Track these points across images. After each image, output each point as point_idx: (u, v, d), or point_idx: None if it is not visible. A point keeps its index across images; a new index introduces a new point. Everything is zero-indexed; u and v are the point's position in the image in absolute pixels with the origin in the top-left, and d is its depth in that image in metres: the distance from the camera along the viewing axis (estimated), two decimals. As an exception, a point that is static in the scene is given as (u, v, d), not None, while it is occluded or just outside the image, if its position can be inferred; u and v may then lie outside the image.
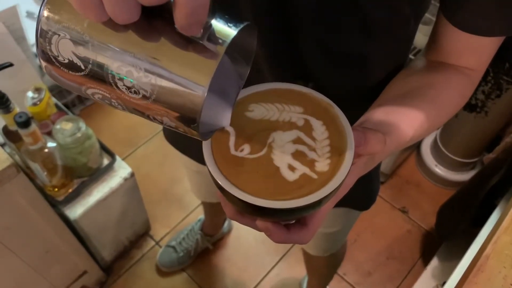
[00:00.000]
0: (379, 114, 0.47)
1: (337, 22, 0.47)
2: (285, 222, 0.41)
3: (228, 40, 0.27)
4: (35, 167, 1.07)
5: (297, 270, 1.58)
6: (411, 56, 1.34)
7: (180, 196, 1.75)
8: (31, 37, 1.27)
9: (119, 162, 1.31)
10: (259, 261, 1.62)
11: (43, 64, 0.30)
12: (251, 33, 0.32)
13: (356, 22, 0.47)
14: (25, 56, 1.19)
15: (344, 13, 0.46)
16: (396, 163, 1.81)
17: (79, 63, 0.28)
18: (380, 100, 0.51)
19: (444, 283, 0.98)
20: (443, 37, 0.50)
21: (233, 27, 0.28)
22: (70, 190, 1.22)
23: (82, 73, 0.29)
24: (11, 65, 1.02)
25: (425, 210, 1.77)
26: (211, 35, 0.27)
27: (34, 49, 1.30)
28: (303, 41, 0.50)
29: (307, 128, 0.39)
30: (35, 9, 1.47)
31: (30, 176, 1.13)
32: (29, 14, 1.38)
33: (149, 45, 0.27)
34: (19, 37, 1.20)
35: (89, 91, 0.30)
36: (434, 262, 1.55)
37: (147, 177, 1.74)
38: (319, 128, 0.39)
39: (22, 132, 0.96)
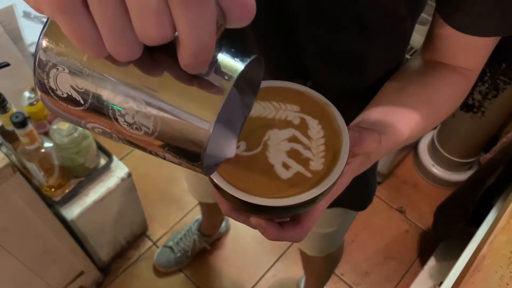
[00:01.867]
0: (375, 113, 0.47)
1: (334, 22, 0.48)
2: (279, 220, 0.41)
3: (235, 76, 0.26)
4: (32, 167, 1.06)
5: (295, 270, 1.58)
6: (407, 56, 1.34)
7: (178, 196, 1.75)
8: (27, 37, 1.27)
9: (116, 162, 1.30)
10: (257, 261, 1.62)
11: (41, 94, 0.28)
12: (258, 65, 0.31)
13: (352, 22, 0.47)
14: (21, 56, 1.18)
15: (340, 13, 0.46)
16: (393, 163, 1.81)
17: (78, 97, 0.27)
18: (376, 100, 0.51)
19: (441, 283, 0.98)
20: (439, 37, 0.50)
21: (240, 62, 0.27)
22: (67, 190, 1.21)
23: (82, 107, 0.27)
24: (7, 64, 1.01)
25: (422, 210, 1.77)
26: (217, 70, 0.26)
27: (31, 49, 1.30)
28: (300, 40, 0.50)
29: (302, 127, 0.39)
30: (31, 9, 1.46)
31: (27, 176, 1.13)
32: (26, 14, 1.38)
33: (151, 80, 0.26)
34: (16, 37, 1.20)
35: (89, 125, 0.29)
36: (432, 262, 1.55)
37: (144, 177, 1.73)
38: (314, 127, 0.39)
39: (18, 132, 0.95)
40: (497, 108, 1.47)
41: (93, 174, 1.25)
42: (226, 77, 0.26)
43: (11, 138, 1.05)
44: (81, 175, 1.24)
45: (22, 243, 1.14)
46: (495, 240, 0.65)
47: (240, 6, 0.23)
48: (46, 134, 1.14)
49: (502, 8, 0.44)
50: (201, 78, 0.25)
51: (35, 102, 1.14)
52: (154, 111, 0.26)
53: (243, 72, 0.26)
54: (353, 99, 0.55)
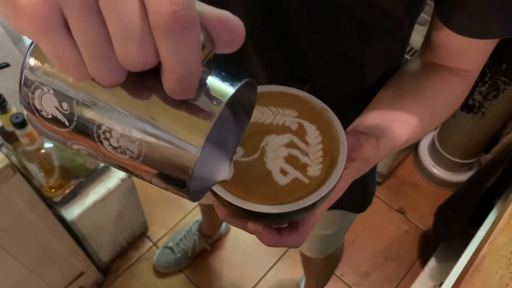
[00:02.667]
0: (373, 117, 0.47)
1: (332, 25, 0.47)
2: (277, 226, 0.41)
3: (225, 100, 0.25)
4: (32, 167, 1.06)
5: (295, 271, 1.58)
6: (407, 56, 1.34)
7: (178, 197, 1.74)
8: (27, 39, 1.27)
9: (116, 163, 1.30)
10: (257, 262, 1.62)
11: (26, 113, 0.27)
12: (251, 88, 0.30)
13: (351, 25, 0.47)
14: (22, 57, 1.18)
15: (338, 15, 0.46)
16: (393, 163, 1.81)
17: (63, 119, 0.26)
18: (374, 103, 0.51)
19: (441, 283, 0.98)
20: (438, 39, 0.50)
21: (230, 86, 0.26)
22: (67, 191, 1.21)
23: (67, 129, 0.27)
24: (7, 65, 1.01)
25: (422, 210, 1.77)
26: (206, 94, 0.25)
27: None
28: (298, 43, 0.50)
29: (300, 132, 0.39)
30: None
31: (27, 177, 1.13)
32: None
33: (137, 104, 0.25)
34: (16, 38, 1.20)
35: (75, 147, 0.28)
36: (432, 263, 1.55)
37: (144, 178, 1.73)
38: (312, 133, 0.39)
39: (18, 132, 0.96)
40: (498, 109, 1.47)
41: (93, 175, 1.25)
42: (215, 102, 0.25)
43: (11, 138, 1.05)
44: (81, 176, 1.24)
45: (22, 244, 1.14)
46: (495, 240, 0.65)
47: (228, 31, 0.22)
48: (46, 134, 1.14)
49: (501, 10, 0.44)
50: (189, 103, 0.25)
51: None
52: (139, 135, 0.25)
53: (233, 96, 0.25)
54: (351, 102, 0.55)
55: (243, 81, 0.26)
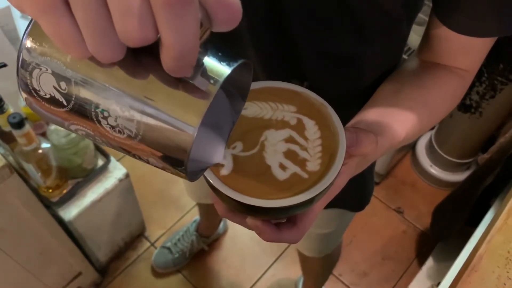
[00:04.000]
0: (372, 114, 0.47)
1: (330, 24, 0.48)
2: (276, 221, 0.41)
3: (221, 80, 0.25)
4: (29, 168, 1.06)
5: (293, 270, 1.58)
6: (405, 56, 1.34)
7: (176, 197, 1.75)
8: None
9: (114, 163, 1.30)
10: (255, 262, 1.62)
11: (24, 95, 0.28)
12: (246, 69, 0.30)
13: (348, 24, 0.48)
14: (19, 57, 1.18)
15: (336, 15, 0.46)
16: (391, 163, 1.82)
17: (61, 98, 0.26)
18: (373, 101, 0.51)
19: (439, 283, 0.99)
20: (436, 38, 0.51)
21: (227, 66, 0.26)
22: (64, 191, 1.21)
23: (65, 109, 0.27)
24: (5, 65, 1.01)
25: (420, 210, 1.77)
26: (203, 74, 0.25)
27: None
28: (296, 42, 0.50)
29: (299, 128, 0.39)
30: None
31: (24, 177, 1.12)
32: (23, 15, 1.38)
33: (135, 83, 0.25)
34: (13, 38, 1.20)
35: (72, 127, 0.28)
36: (430, 262, 1.56)
37: (142, 178, 1.73)
38: (311, 128, 0.39)
39: (16, 133, 0.95)
40: (495, 109, 1.47)
41: (90, 175, 1.25)
42: (212, 81, 0.25)
43: (8, 139, 1.05)
44: (79, 176, 1.24)
45: (19, 244, 1.14)
46: (492, 240, 0.65)
47: (225, 9, 0.22)
48: (44, 135, 1.14)
49: (499, 9, 0.44)
50: (186, 82, 0.25)
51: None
52: (137, 115, 0.25)
53: (229, 76, 0.26)
54: (349, 101, 0.55)
55: (239, 61, 0.27)
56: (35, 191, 1.15)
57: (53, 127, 1.10)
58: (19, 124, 0.93)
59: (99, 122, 0.26)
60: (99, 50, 0.22)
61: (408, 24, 0.52)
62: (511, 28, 0.46)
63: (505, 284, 0.60)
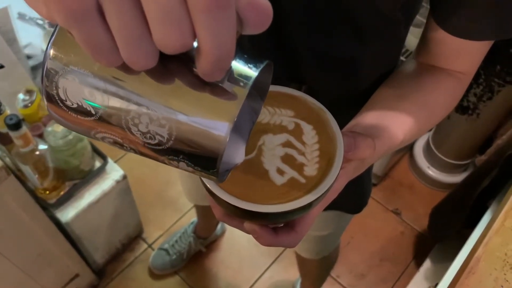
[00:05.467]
0: (369, 117, 0.47)
1: (327, 26, 0.48)
2: (273, 225, 0.41)
3: (250, 82, 0.25)
4: (26, 169, 1.06)
5: (291, 272, 1.58)
6: (402, 58, 1.35)
7: (173, 198, 1.75)
8: (22, 39, 1.26)
9: (111, 164, 1.30)
10: (253, 264, 1.62)
11: (48, 105, 0.27)
12: (268, 70, 0.30)
13: (347, 27, 0.48)
14: (16, 58, 1.18)
15: (334, 18, 0.46)
16: (389, 165, 1.82)
17: (89, 107, 0.26)
18: (370, 104, 0.51)
19: (436, 284, 0.98)
20: (433, 41, 0.51)
21: (254, 68, 0.26)
22: (61, 193, 1.21)
23: (92, 118, 0.26)
24: (2, 66, 1.01)
25: (418, 211, 1.77)
26: (231, 77, 0.25)
27: (26, 51, 1.29)
28: (295, 45, 0.50)
29: (297, 132, 0.39)
30: (26, 10, 1.46)
31: (21, 178, 1.12)
32: (21, 16, 1.37)
33: (165, 88, 0.25)
34: (10, 39, 1.19)
35: (99, 135, 0.28)
36: (427, 264, 1.56)
37: (139, 180, 1.73)
38: (309, 133, 0.39)
39: (12, 134, 0.95)
40: (492, 110, 1.47)
41: (88, 177, 1.24)
42: (241, 84, 0.25)
43: (5, 140, 1.05)
44: (76, 178, 1.23)
45: (16, 246, 1.14)
46: (489, 242, 0.65)
47: (257, 12, 0.22)
48: (41, 136, 1.13)
49: (496, 12, 0.44)
50: (216, 85, 0.25)
51: (29, 104, 1.14)
52: (168, 120, 0.25)
53: (257, 78, 0.26)
54: (347, 103, 0.55)
55: (264, 63, 0.27)
56: (32, 192, 1.15)
57: (50, 128, 1.10)
58: (16, 125, 0.92)
59: (129, 129, 0.26)
60: (133, 57, 0.22)
61: (405, 27, 0.52)
62: (507, 32, 0.46)
63: (502, 286, 0.60)
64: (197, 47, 0.22)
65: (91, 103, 0.26)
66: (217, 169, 0.27)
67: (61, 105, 0.27)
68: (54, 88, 0.26)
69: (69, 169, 1.19)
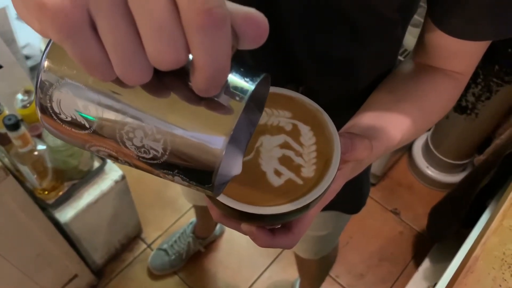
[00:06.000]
0: (367, 118, 0.47)
1: (325, 27, 0.48)
2: (270, 227, 0.41)
3: (247, 96, 0.25)
4: (25, 170, 1.06)
5: (290, 272, 1.58)
6: (400, 58, 1.35)
7: (172, 199, 1.75)
8: (21, 39, 1.26)
9: (110, 164, 1.30)
10: (252, 264, 1.62)
11: (42, 117, 0.27)
12: (265, 82, 0.30)
13: (344, 28, 0.48)
14: (14, 58, 1.18)
15: (331, 18, 0.46)
16: (387, 165, 1.82)
17: (83, 121, 0.26)
18: (368, 104, 0.51)
19: (435, 284, 0.99)
20: (431, 41, 0.51)
21: (250, 82, 0.26)
22: (60, 193, 1.21)
23: (87, 131, 0.26)
24: (0, 67, 1.01)
25: (416, 211, 1.77)
26: (227, 91, 0.25)
27: (24, 51, 1.29)
28: (292, 46, 0.50)
29: (295, 133, 0.39)
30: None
31: (20, 179, 1.12)
32: (19, 16, 1.38)
33: (160, 102, 0.25)
34: (9, 39, 1.19)
35: (93, 148, 0.27)
36: (426, 264, 1.56)
37: (138, 180, 1.73)
38: (306, 134, 0.39)
39: (11, 134, 0.95)
40: (490, 110, 1.48)
41: (87, 177, 1.24)
42: (238, 98, 0.25)
43: (3, 140, 1.05)
44: (75, 178, 1.23)
45: (15, 247, 1.14)
46: (488, 241, 0.65)
47: (253, 28, 0.22)
48: (39, 136, 1.13)
49: (493, 12, 0.44)
50: (212, 100, 0.25)
51: (28, 105, 1.14)
52: (163, 134, 0.25)
53: (254, 91, 0.26)
54: (345, 104, 0.55)
55: (261, 76, 0.26)
56: (31, 193, 1.15)
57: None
58: (14, 126, 0.92)
59: (124, 143, 0.26)
60: (127, 73, 0.22)
61: (403, 27, 0.52)
62: (505, 32, 0.46)
63: (500, 286, 0.60)
64: (192, 63, 0.22)
65: (85, 116, 0.26)
66: (213, 184, 0.27)
67: (55, 117, 0.26)
68: (48, 101, 0.26)
69: (68, 169, 1.19)
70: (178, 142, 0.25)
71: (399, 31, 0.52)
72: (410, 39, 1.36)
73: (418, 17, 1.26)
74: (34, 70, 1.31)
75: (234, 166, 0.35)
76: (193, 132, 0.25)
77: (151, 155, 0.26)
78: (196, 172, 0.26)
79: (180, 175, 0.27)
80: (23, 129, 0.95)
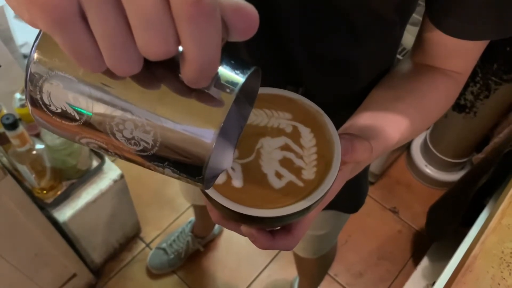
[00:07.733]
0: (365, 118, 0.47)
1: (323, 28, 0.47)
2: (270, 229, 0.41)
3: (237, 88, 0.25)
4: (23, 169, 1.06)
5: (288, 271, 1.58)
6: (399, 57, 1.35)
7: (171, 198, 1.75)
8: (19, 38, 1.26)
9: (108, 164, 1.30)
10: (251, 263, 1.62)
11: (32, 110, 0.27)
12: (256, 76, 0.30)
13: (342, 28, 0.47)
14: (12, 58, 1.17)
15: (329, 19, 0.46)
16: (386, 163, 1.82)
17: (73, 113, 0.26)
18: (366, 104, 0.51)
19: (434, 283, 0.99)
20: (429, 41, 0.51)
21: (241, 74, 0.26)
22: (59, 193, 1.21)
23: (77, 123, 0.26)
24: (-2, 66, 1.01)
25: (415, 210, 1.78)
26: (217, 83, 0.25)
27: (22, 50, 1.29)
28: (291, 47, 0.50)
29: (295, 135, 0.39)
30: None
31: (18, 178, 1.12)
32: (17, 15, 1.37)
33: (150, 94, 0.25)
34: (7, 38, 1.19)
35: (84, 140, 0.27)
36: (425, 262, 1.56)
37: (137, 179, 1.72)
38: (307, 136, 0.39)
39: (9, 134, 0.95)
40: (489, 109, 1.48)
41: (85, 176, 1.24)
42: (228, 90, 0.25)
43: (2, 140, 1.04)
44: (73, 177, 1.23)
45: (13, 246, 1.13)
46: (486, 240, 0.65)
47: (243, 19, 0.22)
48: (38, 135, 1.13)
49: (491, 12, 0.44)
50: (202, 92, 0.25)
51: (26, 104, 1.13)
52: (153, 126, 0.25)
53: (243, 84, 0.26)
54: (345, 104, 0.55)
55: (252, 69, 0.26)
56: (29, 192, 1.15)
57: (47, 128, 1.10)
58: (12, 125, 0.92)
59: (114, 135, 0.26)
60: (117, 64, 0.22)
61: (401, 26, 0.52)
62: (504, 31, 0.46)
63: (499, 284, 0.60)
64: (182, 54, 0.22)
65: (75, 108, 0.26)
66: (203, 176, 0.27)
67: (45, 109, 0.26)
68: (38, 93, 0.26)
69: (66, 169, 1.19)
70: (168, 134, 0.25)
71: (397, 31, 0.52)
72: (409, 37, 1.36)
73: (417, 16, 1.26)
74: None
75: (225, 159, 0.35)
76: (183, 125, 0.25)
77: (141, 147, 0.26)
78: (186, 164, 0.26)
79: (171, 167, 0.27)
80: (21, 128, 0.95)
